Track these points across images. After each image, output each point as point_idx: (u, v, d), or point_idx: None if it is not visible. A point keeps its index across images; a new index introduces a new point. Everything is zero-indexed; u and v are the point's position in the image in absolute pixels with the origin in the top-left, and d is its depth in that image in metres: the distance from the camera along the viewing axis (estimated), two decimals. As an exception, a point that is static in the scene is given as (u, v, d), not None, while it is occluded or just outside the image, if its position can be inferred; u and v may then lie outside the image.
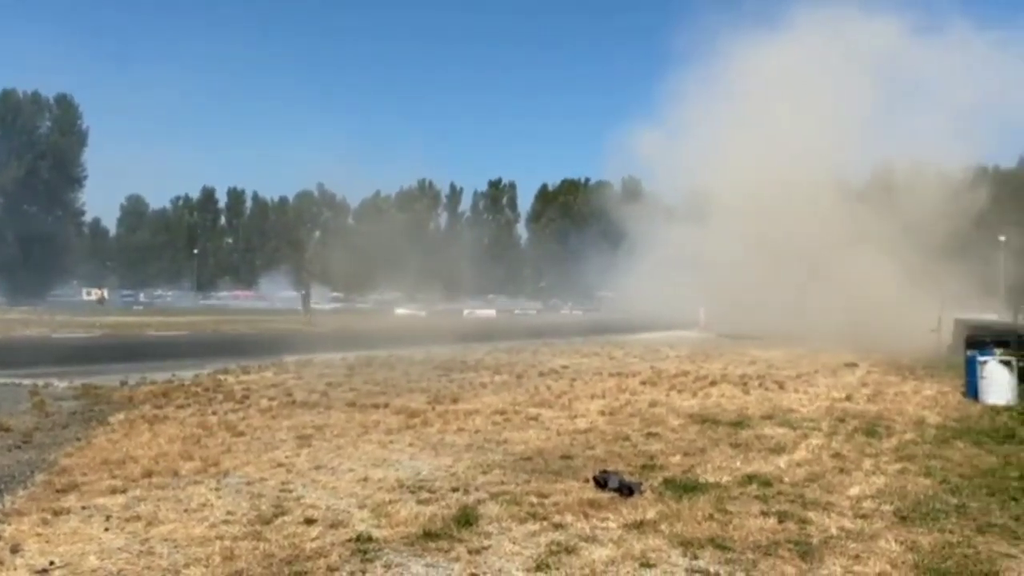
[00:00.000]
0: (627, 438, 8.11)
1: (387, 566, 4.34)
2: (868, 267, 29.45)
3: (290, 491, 5.84)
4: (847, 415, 9.71)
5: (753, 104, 39.53)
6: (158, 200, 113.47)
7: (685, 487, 6.07)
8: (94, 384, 11.65)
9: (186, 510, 5.32)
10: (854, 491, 6.07)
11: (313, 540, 4.73)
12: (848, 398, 11.23)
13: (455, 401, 10.42)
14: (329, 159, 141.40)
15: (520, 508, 5.42)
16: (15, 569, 4.20)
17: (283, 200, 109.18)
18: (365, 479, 6.21)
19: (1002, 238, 49.71)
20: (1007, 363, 10.87)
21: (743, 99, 40.85)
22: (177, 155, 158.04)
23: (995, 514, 5.49)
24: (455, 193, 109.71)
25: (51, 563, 4.30)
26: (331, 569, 4.26)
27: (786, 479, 6.41)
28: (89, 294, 75.34)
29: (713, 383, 12.88)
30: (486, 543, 4.73)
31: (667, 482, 6.23)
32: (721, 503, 5.65)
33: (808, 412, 9.95)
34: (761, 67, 38.66)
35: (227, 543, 4.63)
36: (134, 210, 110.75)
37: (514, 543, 4.75)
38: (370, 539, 4.75)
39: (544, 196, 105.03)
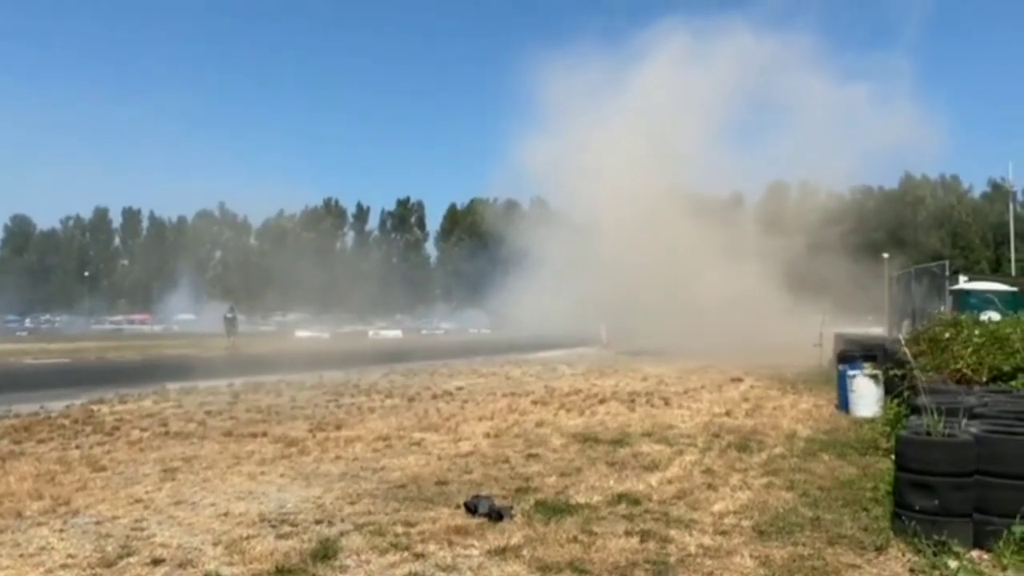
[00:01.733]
0: (507, 460, 8.09)
1: (229, 607, 4.17)
2: (753, 281, 30.83)
3: (142, 529, 5.56)
4: (723, 430, 9.98)
5: (622, 122, 41.55)
6: (46, 220, 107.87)
7: (555, 509, 6.08)
8: (-54, 419, 10.89)
9: (22, 555, 4.99)
10: (718, 507, 6.22)
11: (153, 583, 4.51)
12: (728, 413, 11.56)
13: (338, 427, 10.20)
14: (230, 177, 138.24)
15: (384, 539, 5.31)
16: None
17: (182, 220, 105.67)
18: (226, 514, 5.98)
19: (885, 255, 52.65)
20: (874, 376, 11.42)
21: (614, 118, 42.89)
22: (66, 173, 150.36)
23: (846, 525, 5.71)
24: (362, 212, 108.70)
25: None
26: (168, 613, 4.06)
27: (655, 497, 6.52)
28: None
29: (602, 401, 13.05)
30: (341, 577, 4.61)
31: (539, 505, 6.23)
32: (588, 524, 5.68)
33: (687, 428, 10.19)
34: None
35: (60, 590, 4.36)
36: (20, 230, 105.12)
37: (370, 576, 4.64)
38: (217, 578, 4.56)
39: (453, 215, 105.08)
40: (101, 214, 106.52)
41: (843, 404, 11.80)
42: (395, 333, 58.69)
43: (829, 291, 30.20)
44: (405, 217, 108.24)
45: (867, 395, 11.32)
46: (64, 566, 4.77)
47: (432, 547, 5.15)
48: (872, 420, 10.69)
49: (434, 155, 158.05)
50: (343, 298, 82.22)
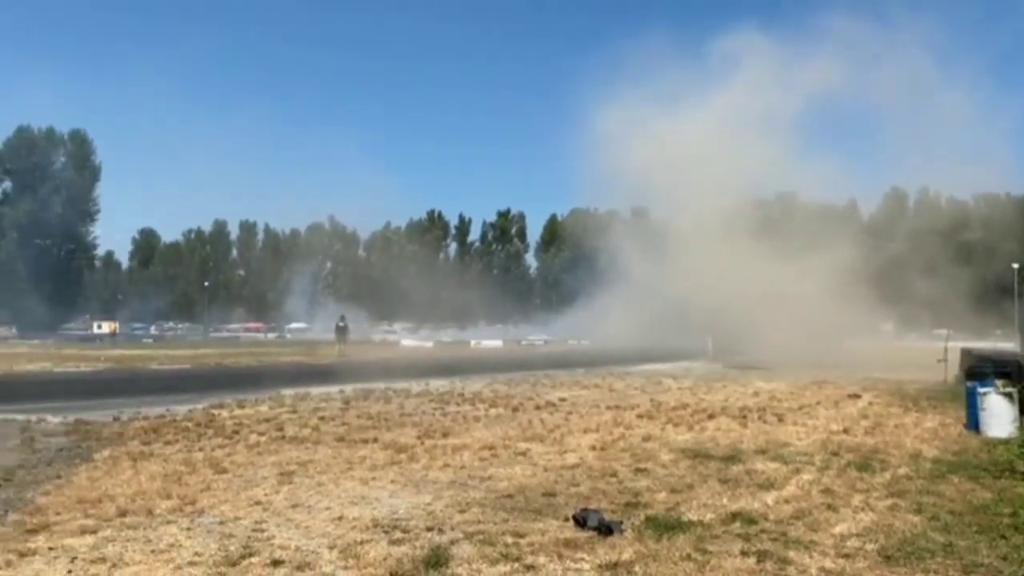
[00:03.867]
0: (615, 474, 7.97)
1: (346, 611, 4.25)
2: (863, 292, 29.57)
3: (263, 531, 5.75)
4: (842, 448, 9.54)
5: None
6: (170, 233, 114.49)
7: (667, 526, 5.94)
8: (86, 420, 11.62)
9: (153, 551, 5.24)
10: (839, 529, 5.93)
11: (277, 583, 4.64)
12: (846, 431, 11.04)
13: (445, 435, 10.31)
14: (340, 191, 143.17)
15: (494, 548, 5.31)
16: (-32, 614, 4.13)
17: (295, 232, 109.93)
18: (340, 518, 6.12)
19: (1015, 265, 49.41)
20: (1008, 395, 10.67)
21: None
22: (189, 188, 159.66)
23: (982, 553, 5.34)
24: (464, 224, 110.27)
25: (6, 608, 4.22)
26: (289, 614, 4.17)
27: (771, 516, 6.27)
28: (100, 327, 75.67)
29: (711, 416, 12.71)
30: (453, 586, 4.63)
31: (649, 520, 6.09)
32: (702, 542, 5.52)
33: (803, 446, 9.78)
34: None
35: (189, 586, 4.54)
36: (146, 244, 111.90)
37: (481, 586, 4.64)
38: (334, 582, 4.65)
39: (553, 226, 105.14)
40: (220, 227, 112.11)
41: (972, 423, 11.08)
42: (495, 343, 59.09)
43: (947, 304, 28.60)
44: (506, 228, 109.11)
45: (1000, 414, 10.59)
46: (192, 563, 4.98)
47: (542, 559, 5.11)
48: (1007, 441, 10.00)
49: (537, 167, 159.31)
50: (445, 308, 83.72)
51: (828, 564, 5.08)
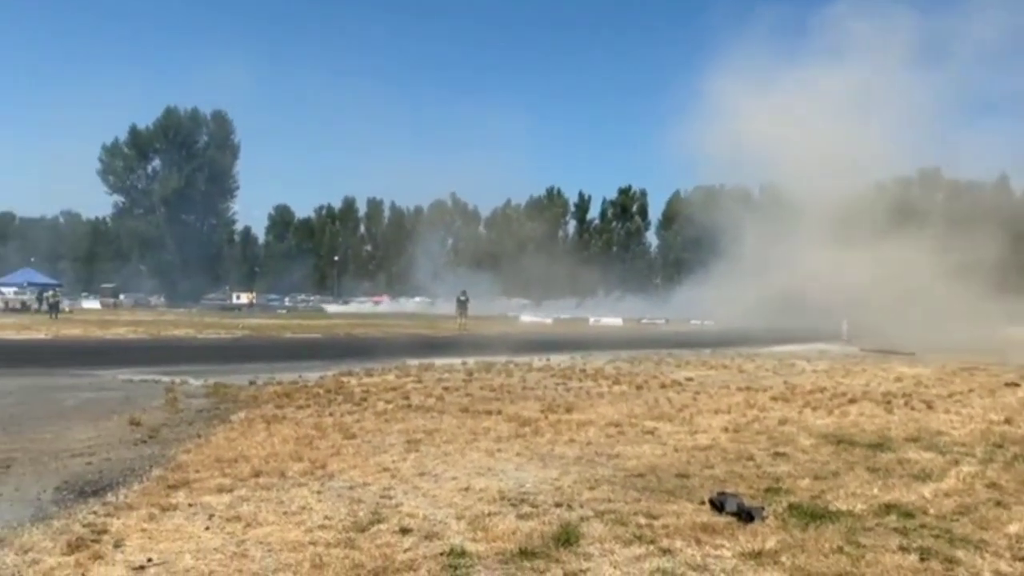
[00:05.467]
0: (751, 458, 7.53)
1: (475, 585, 4.10)
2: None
3: (390, 497, 5.72)
4: (1006, 440, 8.67)
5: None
6: (303, 210, 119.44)
7: (813, 514, 5.49)
8: (224, 383, 12.14)
9: (285, 513, 5.28)
10: (1013, 528, 5.31)
11: (405, 551, 4.55)
12: (1008, 421, 10.06)
13: (569, 410, 10.10)
14: (462, 169, 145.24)
15: (626, 529, 5.05)
16: (114, 564, 4.24)
17: (418, 209, 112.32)
18: (467, 488, 6.01)
19: None
20: None
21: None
22: (321, 167, 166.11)
23: None
24: (583, 201, 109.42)
25: (148, 560, 4.32)
26: (418, 584, 4.06)
27: (931, 510, 5.70)
28: (238, 298, 79.96)
29: (852, 401, 11.92)
30: (585, 566, 4.40)
31: (792, 508, 5.66)
32: (853, 534, 5.06)
33: (960, 436, 8.96)
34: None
35: (319, 549, 4.52)
36: (281, 219, 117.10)
37: (616, 568, 4.39)
38: (463, 553, 4.52)
39: (676, 203, 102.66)
40: (349, 203, 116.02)
41: None
42: (615, 321, 58.36)
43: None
44: (627, 206, 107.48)
45: None
46: (322, 527, 4.98)
47: (679, 543, 4.81)
48: None
49: (658, 144, 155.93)
50: (564, 285, 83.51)
51: (1004, 567, 4.54)
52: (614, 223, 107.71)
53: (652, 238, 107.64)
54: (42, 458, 6.81)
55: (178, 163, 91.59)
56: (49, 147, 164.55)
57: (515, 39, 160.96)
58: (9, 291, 56.12)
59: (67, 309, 49.20)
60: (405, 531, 4.92)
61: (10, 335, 26.51)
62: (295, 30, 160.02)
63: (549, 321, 54.72)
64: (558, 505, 5.60)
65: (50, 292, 48.40)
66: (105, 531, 4.76)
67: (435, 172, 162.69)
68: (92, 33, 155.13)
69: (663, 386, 13.54)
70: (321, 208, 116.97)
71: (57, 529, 4.78)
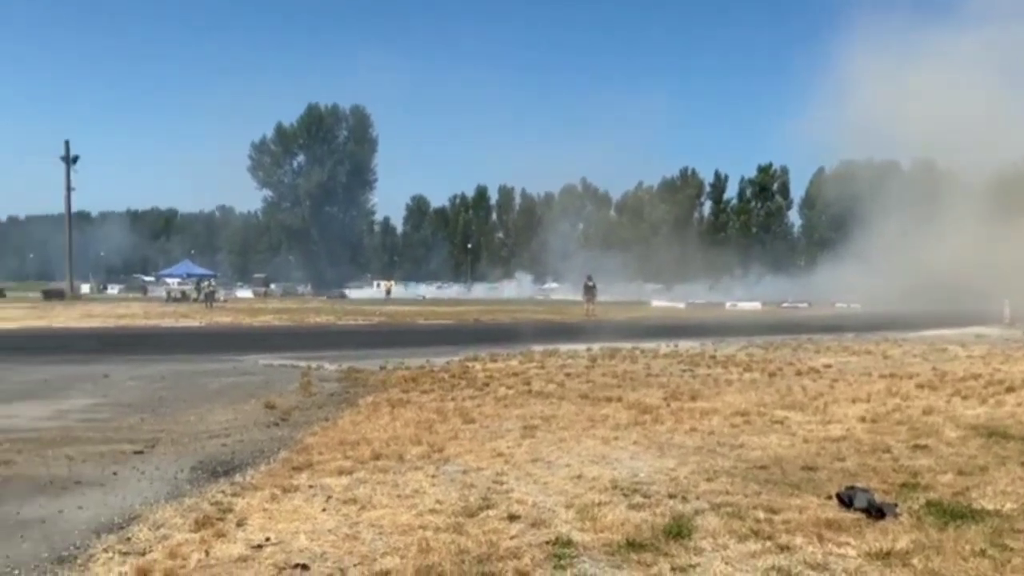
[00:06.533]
0: (888, 450, 7.02)
1: (579, 576, 4.01)
2: None
3: (502, 483, 5.71)
4: None
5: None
6: (438, 199, 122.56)
7: (953, 513, 5.04)
8: (357, 368, 12.61)
9: (399, 496, 5.38)
10: None
11: (511, 539, 4.52)
12: None
13: (693, 398, 9.79)
14: (592, 153, 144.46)
15: (743, 523, 4.81)
16: (235, 542, 4.44)
17: (549, 195, 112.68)
18: (579, 476, 5.92)
19: None
20: None
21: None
22: (455, 156, 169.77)
23: None
24: (719, 181, 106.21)
25: (266, 539, 4.50)
26: (520, 573, 4.01)
27: (1096, 514, 5.11)
28: (378, 286, 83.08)
29: (1010, 389, 10.92)
30: (695, 560, 4.22)
31: (930, 505, 5.22)
32: (999, 536, 4.60)
33: None
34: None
35: (427, 534, 4.56)
36: (417, 209, 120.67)
37: (728, 564, 4.18)
38: (568, 543, 4.44)
39: (819, 180, 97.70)
40: (481, 192, 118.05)
41: None
42: (753, 305, 56.36)
43: None
44: (766, 184, 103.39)
45: None
46: (432, 511, 5.03)
47: (799, 540, 4.52)
48: None
49: (800, 120, 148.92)
50: (698, 269, 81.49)
51: None
52: (753, 203, 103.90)
53: (794, 218, 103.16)
54: (183, 439, 7.28)
55: (320, 158, 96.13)
56: (206, 148, 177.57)
57: (645, 18, 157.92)
58: (172, 282, 60.83)
59: (222, 298, 52.67)
60: (513, 518, 4.89)
61: (169, 323, 28.75)
62: (428, 24, 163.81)
63: (681, 306, 53.58)
64: (672, 496, 5.42)
65: (206, 282, 52.04)
66: (230, 510, 5.01)
67: (566, 158, 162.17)
68: (241, 37, 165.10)
69: (798, 373, 12.92)
70: (455, 197, 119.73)
71: (188, 507, 5.08)
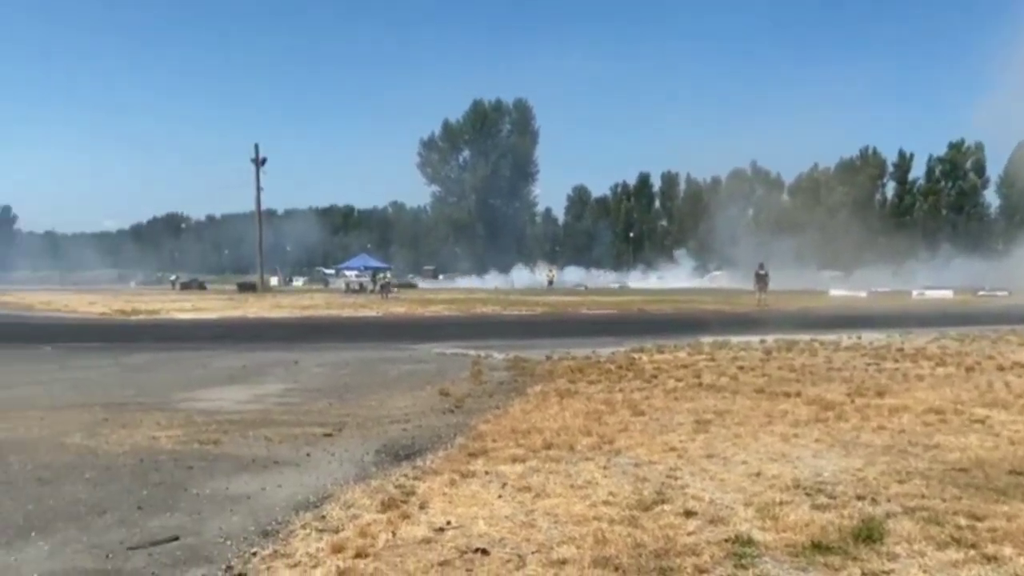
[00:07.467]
0: (1113, 455, 6.28)
1: (762, 576, 3.88)
2: None
3: (676, 478, 5.63)
4: None
5: None
6: (599, 188, 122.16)
7: None
8: (524, 357, 12.83)
9: (572, 486, 5.43)
10: None
11: (688, 535, 4.45)
12: None
13: (880, 394, 9.19)
14: (763, 135, 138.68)
15: (942, 529, 4.47)
16: (418, 524, 4.65)
17: (716, 180, 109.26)
18: (758, 474, 5.72)
19: None
20: None
21: None
22: (616, 144, 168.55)
23: None
24: (904, 160, 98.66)
25: (448, 523, 4.68)
26: (700, 570, 3.93)
27: None
28: (542, 272, 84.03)
29: None
30: (889, 567, 3.96)
31: None
32: None
33: None
34: None
35: (603, 525, 4.57)
36: (579, 199, 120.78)
37: (926, 572, 3.90)
38: (749, 542, 4.30)
39: (1021, 156, 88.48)
40: (644, 179, 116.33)
41: None
42: (944, 293, 52.04)
43: None
44: (958, 162, 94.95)
45: None
46: (606, 503, 5.03)
47: (1007, 550, 4.14)
48: None
49: (996, 90, 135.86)
50: (882, 255, 76.28)
51: None
52: (943, 182, 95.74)
53: (990, 198, 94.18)
54: (367, 423, 7.71)
55: (485, 152, 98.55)
56: (379, 147, 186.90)
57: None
58: (351, 274, 64.51)
59: (396, 289, 55.21)
60: (689, 514, 4.80)
61: (349, 313, 30.56)
62: (588, 14, 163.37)
63: (863, 295, 50.30)
64: (860, 498, 5.12)
65: (382, 274, 54.76)
66: (413, 493, 5.25)
67: (733, 141, 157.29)
68: (407, 40, 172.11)
69: (1000, 368, 11.83)
70: (616, 186, 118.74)
71: (374, 488, 5.37)
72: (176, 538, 4.43)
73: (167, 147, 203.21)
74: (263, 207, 65.79)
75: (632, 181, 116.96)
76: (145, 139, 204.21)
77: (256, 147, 62.25)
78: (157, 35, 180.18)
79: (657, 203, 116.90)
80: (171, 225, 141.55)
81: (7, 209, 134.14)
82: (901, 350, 14.38)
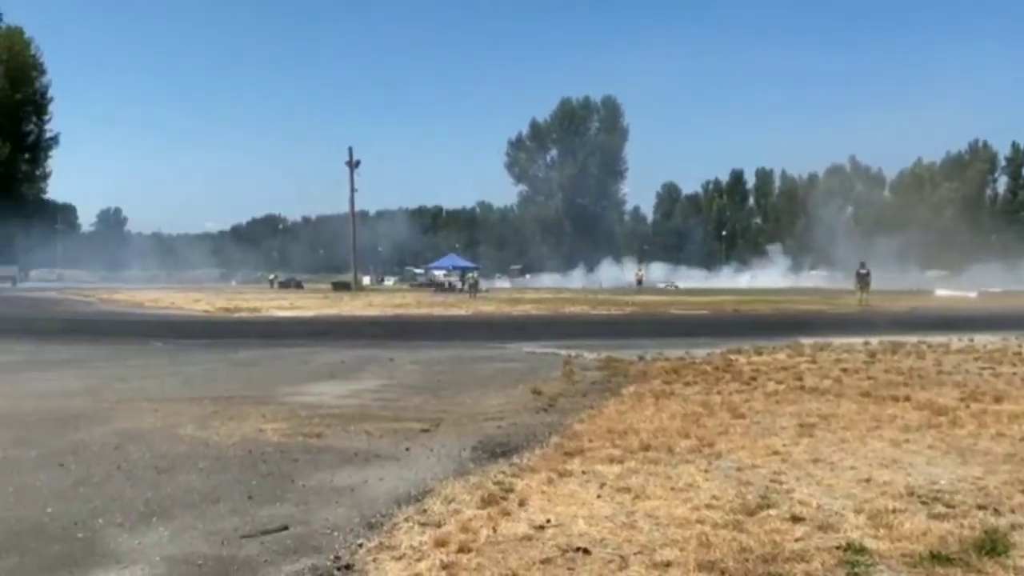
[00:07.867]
0: None
1: (877, 586, 3.72)
2: None
3: (781, 483, 5.46)
4: None
5: None
6: (690, 186, 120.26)
7: None
8: (615, 357, 12.70)
9: (673, 488, 5.33)
10: None
11: (796, 541, 4.30)
12: None
13: (998, 400, 8.69)
14: (864, 130, 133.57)
15: (1075, 545, 4.19)
16: (519, 521, 4.65)
17: (812, 176, 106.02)
18: (867, 480, 5.49)
19: None
20: None
21: None
22: (708, 141, 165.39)
23: None
24: (1018, 153, 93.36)
25: (547, 521, 4.67)
26: (810, 577, 3.81)
27: None
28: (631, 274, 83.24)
29: None
30: (1014, 582, 3.74)
31: None
32: None
33: None
34: None
35: (706, 528, 4.47)
36: (669, 197, 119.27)
37: (1056, 590, 3.67)
38: (862, 550, 4.13)
39: None
40: (737, 176, 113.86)
41: None
42: (1065, 294, 48.90)
43: None
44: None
45: None
46: (709, 506, 4.92)
47: None
48: None
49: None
50: (993, 252, 72.38)
51: None
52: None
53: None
54: (463, 420, 7.79)
55: (573, 151, 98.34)
56: (467, 147, 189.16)
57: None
58: (439, 274, 65.54)
59: (484, 288, 55.74)
60: (796, 519, 4.65)
61: (439, 311, 31.02)
62: (678, 6, 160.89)
63: (972, 295, 47.81)
64: (981, 508, 4.85)
65: (470, 274, 55.37)
66: (511, 490, 5.26)
67: (831, 136, 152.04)
68: (496, 40, 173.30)
69: None
70: (708, 183, 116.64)
71: (473, 484, 5.41)
72: (286, 528, 4.58)
73: (266, 152, 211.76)
74: (356, 208, 67.43)
75: (724, 178, 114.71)
76: (245, 144, 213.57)
77: (350, 150, 63.97)
78: (257, 43, 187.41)
79: (751, 200, 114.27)
80: (269, 226, 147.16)
81: (118, 211, 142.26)
82: (1019, 354, 13.57)
